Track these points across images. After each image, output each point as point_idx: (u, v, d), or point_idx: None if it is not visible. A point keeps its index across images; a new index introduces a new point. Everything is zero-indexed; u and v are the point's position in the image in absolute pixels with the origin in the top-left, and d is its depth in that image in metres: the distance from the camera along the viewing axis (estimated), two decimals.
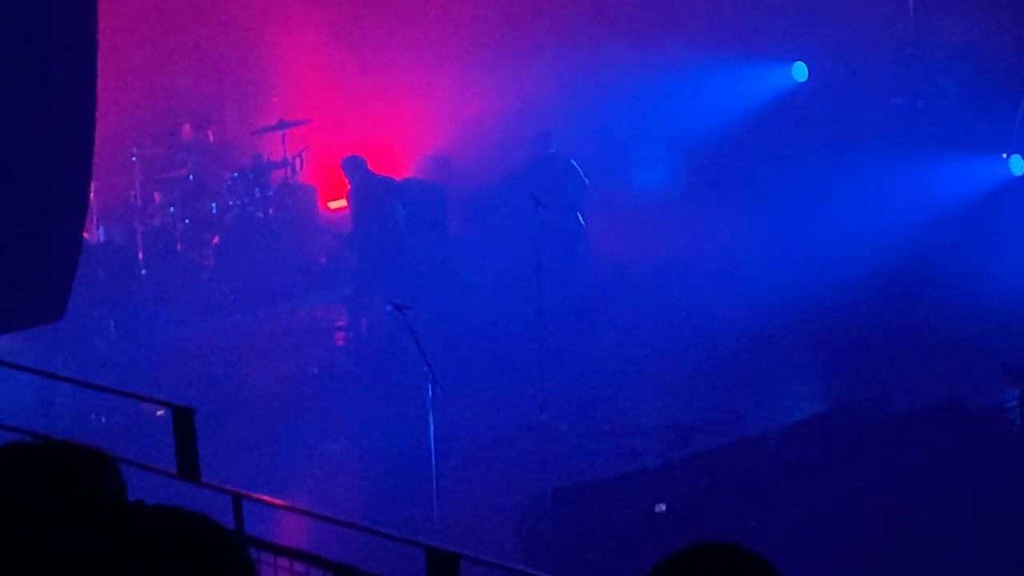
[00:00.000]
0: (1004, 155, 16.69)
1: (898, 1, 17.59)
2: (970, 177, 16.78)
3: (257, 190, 17.50)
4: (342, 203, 17.48)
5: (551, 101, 18.02)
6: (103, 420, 13.42)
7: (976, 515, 10.99)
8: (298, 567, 6.18)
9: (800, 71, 18.50)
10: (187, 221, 17.05)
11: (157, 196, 17.07)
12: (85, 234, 12.01)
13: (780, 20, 17.91)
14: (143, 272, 16.42)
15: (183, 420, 6.48)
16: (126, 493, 3.15)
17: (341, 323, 16.84)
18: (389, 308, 12.55)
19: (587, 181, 16.71)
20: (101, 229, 16.46)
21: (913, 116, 17.46)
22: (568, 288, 15.67)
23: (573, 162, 16.77)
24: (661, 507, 11.12)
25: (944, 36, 17.32)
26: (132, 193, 16.83)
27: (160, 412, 11.38)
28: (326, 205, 18.82)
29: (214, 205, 17.23)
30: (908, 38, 17.70)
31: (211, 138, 18.33)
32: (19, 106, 7.81)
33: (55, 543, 2.98)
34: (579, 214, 16.67)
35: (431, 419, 11.48)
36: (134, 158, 16.74)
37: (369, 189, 16.18)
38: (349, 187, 16.40)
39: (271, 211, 17.68)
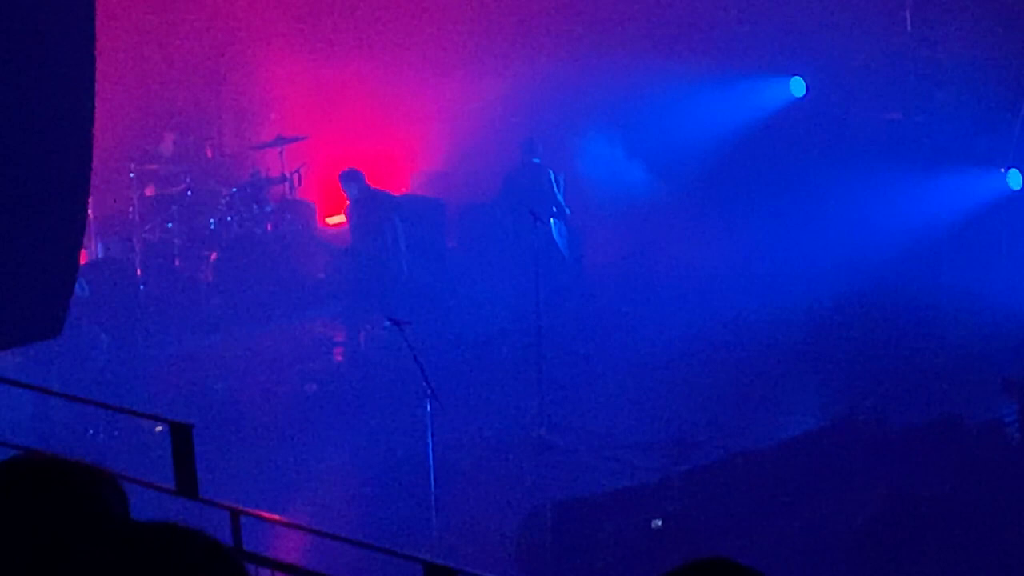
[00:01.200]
0: (1002, 169, 16.69)
1: (895, 16, 17.59)
2: (968, 191, 16.78)
3: (255, 206, 17.50)
4: (340, 219, 17.50)
5: (546, 115, 18.03)
6: (101, 436, 13.41)
7: (975, 528, 10.98)
8: None
9: (797, 86, 18.51)
10: (185, 237, 17.05)
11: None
12: (83, 250, 12.00)
13: (778, 35, 17.92)
14: (141, 288, 16.41)
15: (181, 436, 6.46)
16: (128, 510, 3.14)
17: (339, 338, 16.83)
18: (387, 323, 12.55)
19: (561, 198, 16.79)
20: (99, 245, 16.46)
21: (911, 131, 17.45)
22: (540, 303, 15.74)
23: (551, 173, 16.81)
24: (657, 523, 11.10)
25: (941, 51, 17.33)
26: (130, 209, 16.82)
27: (158, 428, 11.40)
28: (324, 221, 18.83)
29: (212, 221, 17.23)
30: (905, 53, 17.69)
31: (209, 154, 18.32)
32: (16, 121, 7.80)
33: (54, 560, 2.98)
34: (554, 229, 16.70)
35: (429, 434, 11.48)
36: (132, 174, 16.73)
37: (367, 204, 16.19)
38: (347, 202, 16.41)
39: (269, 227, 17.68)
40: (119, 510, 3.12)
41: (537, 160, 16.97)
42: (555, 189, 16.84)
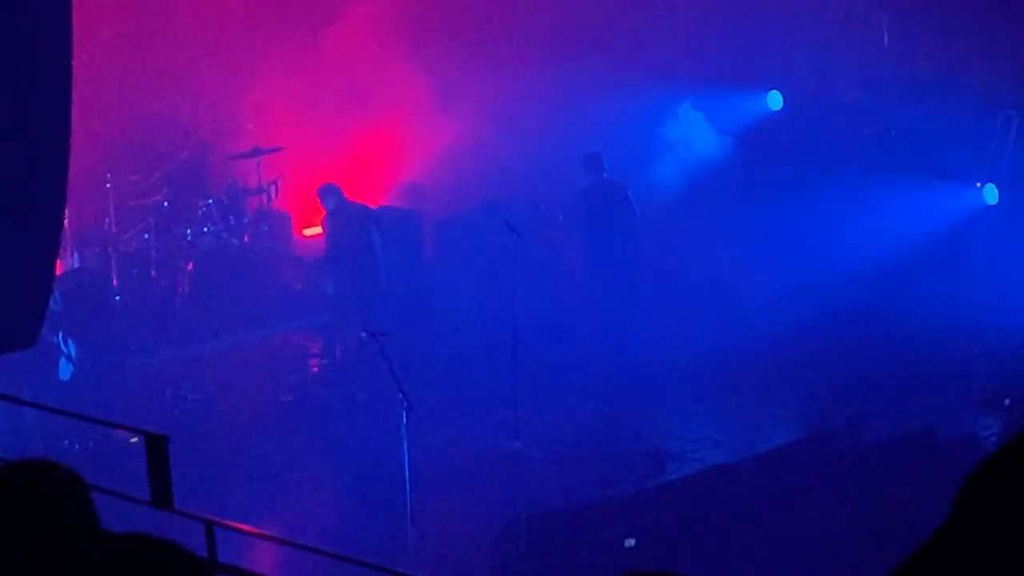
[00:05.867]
0: (978, 184, 16.75)
1: (872, 31, 17.67)
2: (944, 206, 16.85)
3: (232, 217, 17.48)
4: (317, 230, 17.48)
5: (527, 128, 18.04)
6: (76, 447, 13.36)
7: None
8: None
9: (775, 100, 18.56)
10: (162, 248, 17.02)
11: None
12: (59, 260, 11.96)
13: (756, 49, 17.97)
14: (117, 298, 16.37)
15: (156, 447, 6.44)
16: (96, 515, 3.13)
17: (316, 350, 16.82)
18: (364, 335, 12.54)
19: (638, 210, 16.63)
20: (75, 255, 16.41)
21: (887, 145, 17.51)
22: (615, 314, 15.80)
23: (628, 192, 16.66)
24: (630, 542, 11.08)
25: (917, 66, 17.40)
26: (106, 219, 16.79)
27: (134, 439, 11.35)
28: (301, 232, 18.81)
29: (189, 232, 17.20)
30: (881, 68, 17.77)
31: (186, 165, 18.29)
32: None
33: (24, 569, 2.96)
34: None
35: (405, 446, 11.47)
36: (108, 184, 16.71)
37: (344, 215, 16.18)
38: (325, 214, 16.40)
39: (246, 238, 17.66)
40: (88, 517, 3.11)
41: (606, 174, 16.63)
42: (631, 199, 16.62)
